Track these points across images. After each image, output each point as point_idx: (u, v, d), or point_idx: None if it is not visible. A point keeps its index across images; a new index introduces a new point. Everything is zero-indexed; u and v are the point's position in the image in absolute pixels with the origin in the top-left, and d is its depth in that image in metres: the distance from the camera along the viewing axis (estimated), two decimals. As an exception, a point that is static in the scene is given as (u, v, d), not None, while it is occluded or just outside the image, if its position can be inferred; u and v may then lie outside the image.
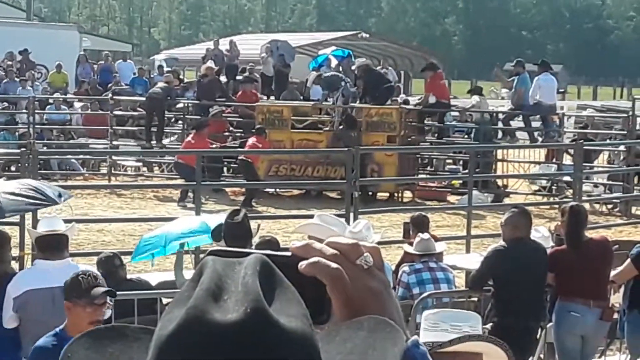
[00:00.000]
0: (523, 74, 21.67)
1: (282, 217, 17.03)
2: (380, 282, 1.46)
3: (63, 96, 26.88)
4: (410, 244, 10.40)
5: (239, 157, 20.03)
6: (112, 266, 8.96)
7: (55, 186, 11.05)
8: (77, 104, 26.69)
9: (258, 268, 1.28)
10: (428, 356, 1.53)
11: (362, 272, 1.44)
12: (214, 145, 20.95)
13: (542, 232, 9.76)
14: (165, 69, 30.65)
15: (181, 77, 29.50)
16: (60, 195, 10.18)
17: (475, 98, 22.60)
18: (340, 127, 20.32)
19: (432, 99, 21.48)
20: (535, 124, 22.27)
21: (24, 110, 24.67)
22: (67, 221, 8.65)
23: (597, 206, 19.36)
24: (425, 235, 10.13)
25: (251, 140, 19.76)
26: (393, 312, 1.44)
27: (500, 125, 21.98)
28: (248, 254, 1.33)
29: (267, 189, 20.38)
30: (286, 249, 1.44)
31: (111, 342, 1.35)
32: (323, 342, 1.31)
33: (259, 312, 1.22)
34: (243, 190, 19.85)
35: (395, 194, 20.54)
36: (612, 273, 8.95)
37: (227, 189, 20.76)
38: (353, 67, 23.95)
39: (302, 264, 1.40)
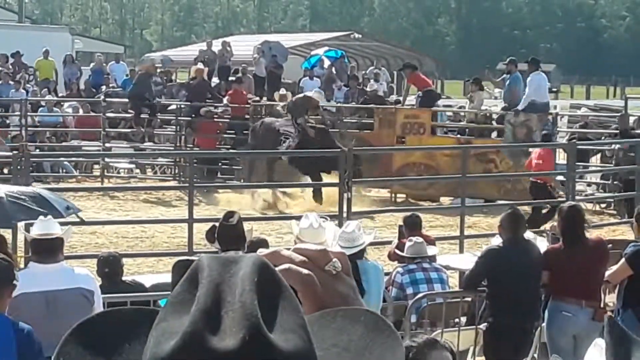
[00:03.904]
0: (515, 73, 21.64)
1: (274, 218, 17.02)
2: (349, 287, 1.49)
3: (55, 98, 26.78)
4: (403, 243, 10.41)
5: None
6: (115, 266, 8.98)
7: (64, 199, 11.03)
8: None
9: (255, 278, 1.26)
10: None
11: (331, 277, 1.47)
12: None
13: (527, 236, 9.72)
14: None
15: (173, 77, 29.44)
16: (68, 208, 10.17)
17: (480, 94, 22.47)
18: None
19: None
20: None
21: (17, 113, 24.60)
22: (61, 224, 8.61)
23: (590, 205, 19.35)
24: (418, 239, 10.14)
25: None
26: None
27: (493, 124, 21.97)
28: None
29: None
30: None
31: (103, 329, 1.35)
32: (317, 325, 1.31)
33: (257, 339, 1.20)
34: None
35: (389, 195, 20.51)
36: (607, 273, 8.94)
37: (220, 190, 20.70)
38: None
39: None
